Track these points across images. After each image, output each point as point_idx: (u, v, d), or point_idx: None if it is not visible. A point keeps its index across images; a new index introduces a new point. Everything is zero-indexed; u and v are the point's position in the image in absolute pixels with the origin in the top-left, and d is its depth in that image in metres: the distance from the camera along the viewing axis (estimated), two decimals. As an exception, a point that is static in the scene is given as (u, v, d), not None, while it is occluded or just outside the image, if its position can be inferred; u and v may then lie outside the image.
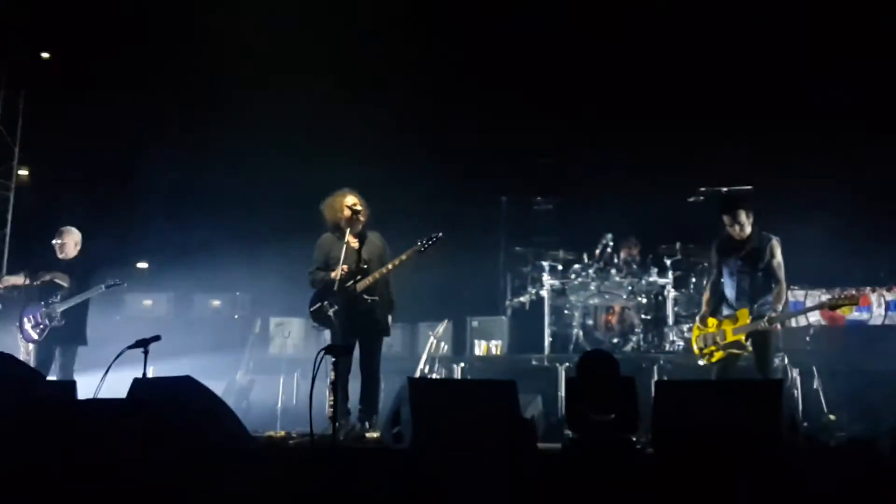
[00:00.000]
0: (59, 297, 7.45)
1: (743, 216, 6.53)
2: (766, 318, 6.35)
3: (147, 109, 10.34)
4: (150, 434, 4.74)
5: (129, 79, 10.30)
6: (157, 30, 10.09)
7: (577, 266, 9.21)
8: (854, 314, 8.67)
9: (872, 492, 4.20)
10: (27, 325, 7.50)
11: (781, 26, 9.39)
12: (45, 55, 10.79)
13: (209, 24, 9.85)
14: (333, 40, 9.84)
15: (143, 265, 10.61)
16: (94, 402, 5.24)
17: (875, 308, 8.73)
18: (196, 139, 10.52)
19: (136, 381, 5.22)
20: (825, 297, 7.63)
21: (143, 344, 5.61)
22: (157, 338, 5.74)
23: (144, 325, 8.21)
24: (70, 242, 7.69)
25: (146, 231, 9.79)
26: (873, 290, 8.75)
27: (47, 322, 7.42)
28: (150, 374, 5.65)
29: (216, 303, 10.04)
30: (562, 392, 7.95)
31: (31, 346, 7.55)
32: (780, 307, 6.45)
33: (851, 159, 9.29)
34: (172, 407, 5.00)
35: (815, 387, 7.30)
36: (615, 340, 8.90)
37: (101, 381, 5.38)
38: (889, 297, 8.72)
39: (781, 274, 6.48)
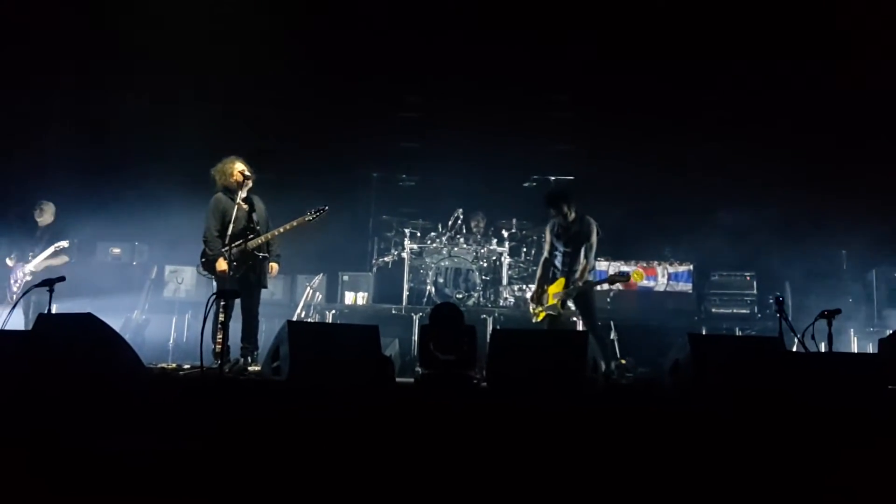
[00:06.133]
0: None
1: (565, 207, 6.82)
2: (572, 286, 6.71)
3: (54, 61, 9.45)
4: (54, 362, 4.48)
5: (37, 31, 9.31)
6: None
7: (432, 234, 9.24)
8: (644, 282, 9.18)
9: (651, 418, 4.52)
10: None
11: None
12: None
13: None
14: (228, 25, 9.36)
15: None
16: (2, 333, 4.90)
17: (660, 278, 9.14)
18: (108, 95, 9.77)
19: (40, 316, 4.92)
20: (611, 272, 8.21)
21: (48, 283, 5.27)
22: (61, 278, 5.41)
23: (50, 267, 7.70)
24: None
25: (54, 182, 9.06)
26: (659, 264, 9.18)
27: None
28: (54, 311, 5.31)
29: (116, 250, 9.46)
30: (415, 336, 8.08)
31: None
32: (581, 278, 6.74)
33: (651, 161, 9.81)
34: (74, 339, 4.75)
35: (612, 337, 7.70)
36: (460, 296, 8.96)
37: (9, 315, 5.02)
38: (671, 269, 9.14)
39: (591, 254, 6.79)
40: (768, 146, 9.38)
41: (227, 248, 6.21)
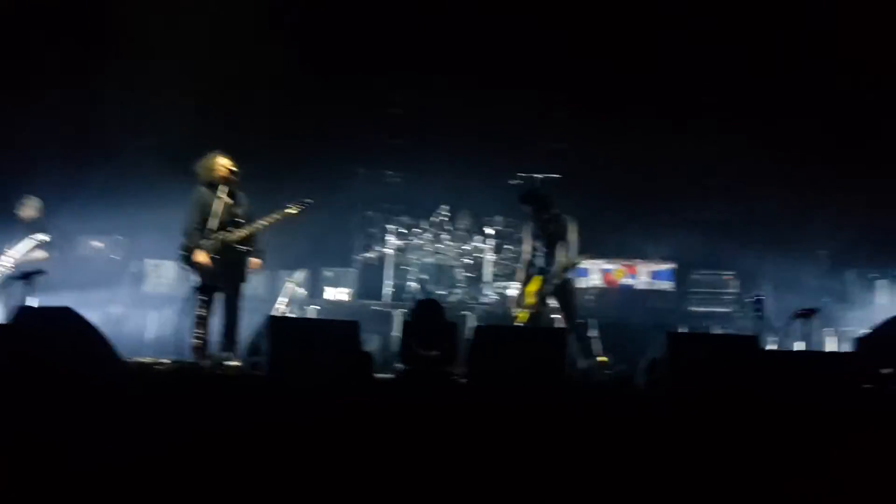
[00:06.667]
0: None
1: (537, 205, 6.94)
2: (548, 283, 6.76)
3: (36, 56, 9.36)
4: (31, 355, 4.45)
5: (20, 26, 9.22)
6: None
7: (416, 230, 9.26)
8: (626, 280, 9.28)
9: (628, 415, 4.56)
10: None
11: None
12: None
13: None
14: (212, 21, 9.30)
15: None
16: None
17: (642, 276, 9.22)
18: (89, 88, 9.69)
19: (19, 308, 4.88)
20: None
21: (26, 276, 5.23)
22: (40, 272, 5.38)
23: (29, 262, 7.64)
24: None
25: (35, 175, 9.00)
26: (642, 262, 9.27)
27: None
28: (33, 304, 5.27)
29: (97, 244, 9.40)
30: (396, 333, 8.09)
31: None
32: (557, 275, 6.77)
33: (635, 159, 9.87)
34: (51, 332, 4.73)
35: (592, 334, 7.74)
36: (443, 292, 8.97)
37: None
38: (653, 268, 9.23)
39: (573, 250, 6.79)
40: (752, 147, 9.47)
41: (202, 245, 6.19)
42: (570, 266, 6.82)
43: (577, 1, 9.54)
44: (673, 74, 9.51)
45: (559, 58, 9.79)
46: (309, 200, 6.45)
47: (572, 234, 6.80)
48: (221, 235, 6.20)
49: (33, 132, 9.65)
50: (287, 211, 6.40)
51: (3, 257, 7.57)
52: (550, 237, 6.87)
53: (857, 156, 9.10)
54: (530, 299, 6.87)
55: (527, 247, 7.13)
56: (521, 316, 6.97)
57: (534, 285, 6.88)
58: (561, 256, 6.75)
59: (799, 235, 9.12)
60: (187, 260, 6.32)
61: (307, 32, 9.83)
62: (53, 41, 9.35)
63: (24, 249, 7.59)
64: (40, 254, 7.70)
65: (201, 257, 6.17)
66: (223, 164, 6.41)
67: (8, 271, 7.48)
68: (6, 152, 9.42)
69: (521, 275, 7.19)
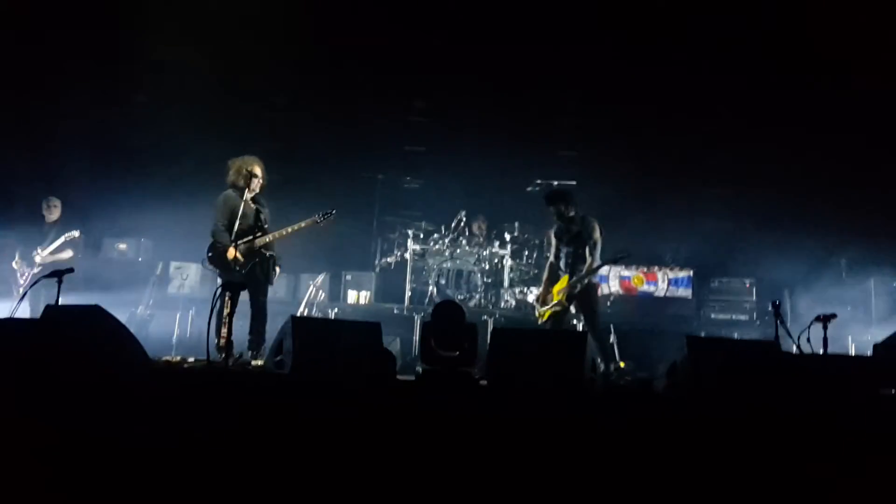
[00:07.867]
0: None
1: (562, 206, 6.94)
2: (576, 279, 6.78)
3: (63, 59, 9.52)
4: (61, 351, 4.55)
5: (47, 29, 9.39)
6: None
7: (435, 235, 9.31)
8: (644, 287, 9.26)
9: (647, 419, 4.57)
10: None
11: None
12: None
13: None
14: (235, 26, 9.43)
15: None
16: (11, 321, 4.97)
17: (660, 283, 9.21)
18: (116, 93, 9.85)
19: (48, 307, 4.99)
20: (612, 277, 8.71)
21: (56, 274, 5.35)
22: (70, 270, 5.49)
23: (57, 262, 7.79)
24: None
25: (61, 178, 9.15)
26: (660, 269, 9.27)
27: None
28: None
29: (122, 246, 9.56)
30: (416, 336, 8.14)
31: None
32: (586, 273, 6.80)
33: (654, 167, 9.89)
34: (82, 329, 4.83)
35: (611, 340, 7.75)
36: (462, 297, 9.05)
37: (17, 305, 5.10)
38: (671, 275, 9.22)
39: (596, 251, 6.83)
40: (771, 154, 9.42)
41: (234, 243, 6.30)
42: (610, 263, 6.85)
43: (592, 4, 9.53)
44: (692, 79, 9.49)
45: (576, 63, 9.78)
46: (333, 211, 6.58)
47: (596, 235, 6.83)
48: (252, 239, 6.30)
49: (60, 135, 9.83)
50: (313, 220, 6.52)
51: (36, 257, 7.76)
52: (574, 238, 6.91)
53: (881, 162, 9.01)
54: (556, 297, 6.90)
55: (552, 249, 7.17)
56: (545, 314, 7.00)
57: (560, 284, 6.90)
58: (588, 257, 6.78)
59: (819, 243, 9.05)
60: (213, 260, 6.41)
61: (328, 41, 9.93)
62: (81, 44, 9.48)
63: (56, 247, 7.77)
64: (67, 254, 7.87)
65: (231, 253, 6.27)
66: (254, 170, 6.51)
67: (36, 270, 7.67)
68: (33, 155, 9.60)
69: (545, 274, 7.23)
